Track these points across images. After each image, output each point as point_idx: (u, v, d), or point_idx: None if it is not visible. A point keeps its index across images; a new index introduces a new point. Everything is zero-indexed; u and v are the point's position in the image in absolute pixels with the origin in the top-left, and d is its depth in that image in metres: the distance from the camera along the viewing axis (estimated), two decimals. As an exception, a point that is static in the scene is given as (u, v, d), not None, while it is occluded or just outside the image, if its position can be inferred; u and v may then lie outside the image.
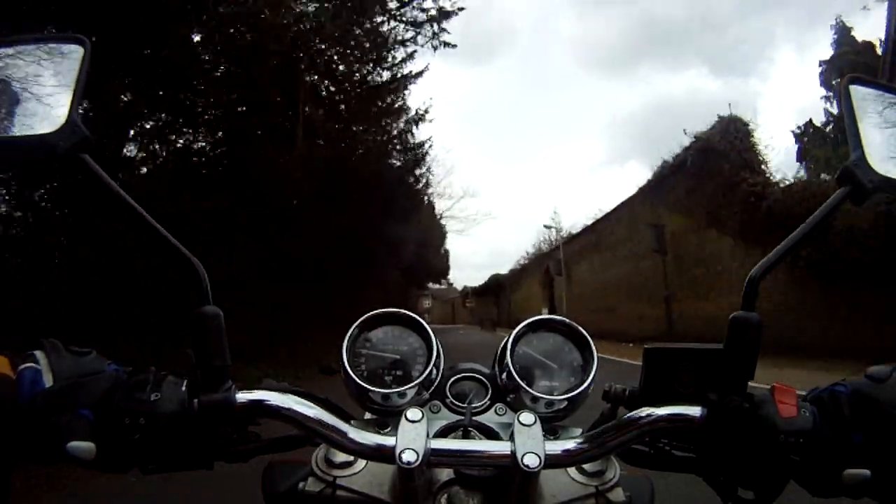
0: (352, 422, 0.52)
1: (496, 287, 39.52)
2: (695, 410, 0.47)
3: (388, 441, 0.47)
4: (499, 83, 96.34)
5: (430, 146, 16.73)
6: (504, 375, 0.58)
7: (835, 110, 24.21)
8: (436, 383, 0.59)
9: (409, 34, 12.71)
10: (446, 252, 35.03)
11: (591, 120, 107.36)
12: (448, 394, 0.60)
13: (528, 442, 0.46)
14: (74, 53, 0.51)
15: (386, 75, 13.27)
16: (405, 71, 13.42)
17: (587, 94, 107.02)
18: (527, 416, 0.48)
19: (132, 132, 7.93)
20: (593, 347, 0.59)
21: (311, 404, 0.49)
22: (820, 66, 26.48)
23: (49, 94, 0.49)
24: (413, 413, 0.48)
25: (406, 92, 14.15)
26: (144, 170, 8.41)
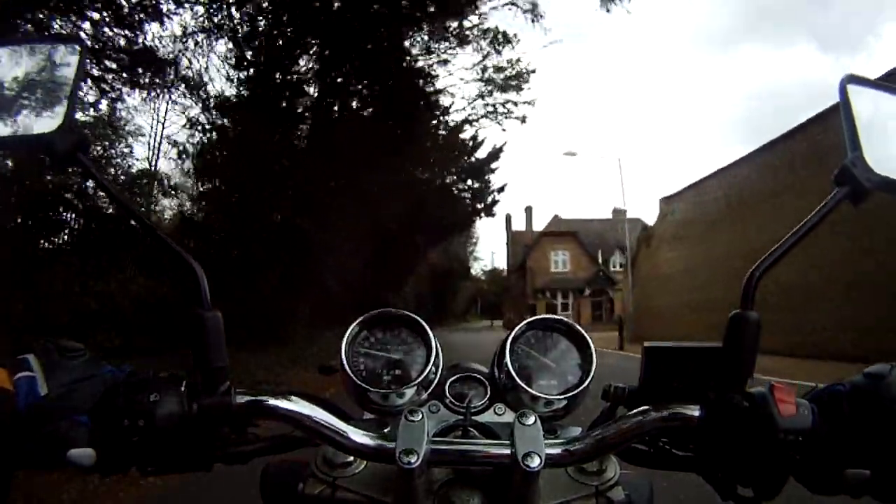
0: (351, 422, 0.52)
1: None
2: (694, 409, 0.47)
3: (388, 441, 0.47)
4: (591, 52, 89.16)
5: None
6: (503, 375, 0.58)
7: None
8: (435, 383, 0.59)
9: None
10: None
11: (690, 98, 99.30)
12: (447, 394, 0.60)
13: (529, 442, 0.46)
14: (71, 54, 0.51)
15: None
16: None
17: (687, 71, 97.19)
18: (526, 416, 0.48)
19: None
20: (592, 346, 0.59)
21: (310, 405, 0.49)
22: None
23: (47, 94, 0.49)
24: (413, 413, 0.48)
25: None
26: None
